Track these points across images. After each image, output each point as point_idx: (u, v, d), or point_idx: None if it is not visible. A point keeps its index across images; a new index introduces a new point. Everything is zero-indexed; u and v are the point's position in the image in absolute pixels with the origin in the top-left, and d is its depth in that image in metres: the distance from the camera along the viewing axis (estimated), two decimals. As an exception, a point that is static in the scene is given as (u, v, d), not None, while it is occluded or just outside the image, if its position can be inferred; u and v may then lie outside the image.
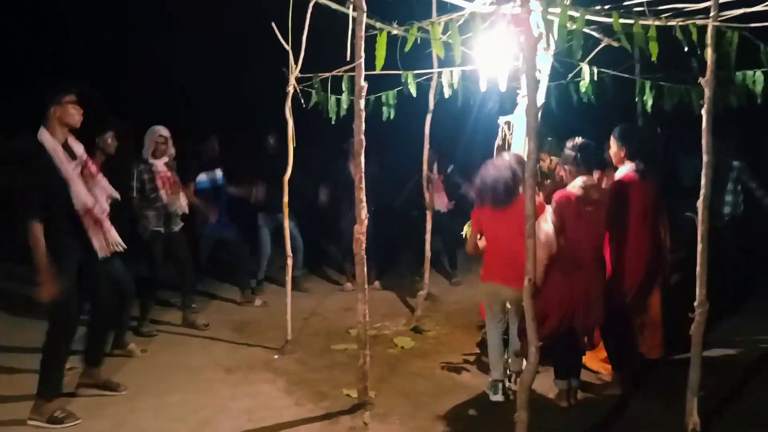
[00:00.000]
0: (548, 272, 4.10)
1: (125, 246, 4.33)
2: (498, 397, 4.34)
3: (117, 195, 4.41)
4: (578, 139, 4.23)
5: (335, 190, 7.33)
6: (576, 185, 4.14)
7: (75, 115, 4.04)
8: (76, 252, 4.06)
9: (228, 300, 6.96)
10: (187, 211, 5.79)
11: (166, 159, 5.65)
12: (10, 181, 4.27)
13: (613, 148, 4.49)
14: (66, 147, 4.03)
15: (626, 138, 4.43)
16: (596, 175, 4.48)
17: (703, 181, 3.49)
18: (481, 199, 4.30)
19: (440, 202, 7.25)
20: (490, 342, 4.47)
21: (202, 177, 6.49)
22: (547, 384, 4.53)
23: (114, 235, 4.20)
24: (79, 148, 4.14)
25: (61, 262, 3.93)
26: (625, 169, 4.41)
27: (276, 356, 5.25)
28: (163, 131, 5.63)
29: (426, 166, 6.03)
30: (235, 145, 7.38)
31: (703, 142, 3.48)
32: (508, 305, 4.43)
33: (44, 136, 3.94)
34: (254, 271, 7.11)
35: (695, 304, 3.59)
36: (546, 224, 4.09)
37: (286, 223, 5.40)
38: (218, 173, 6.61)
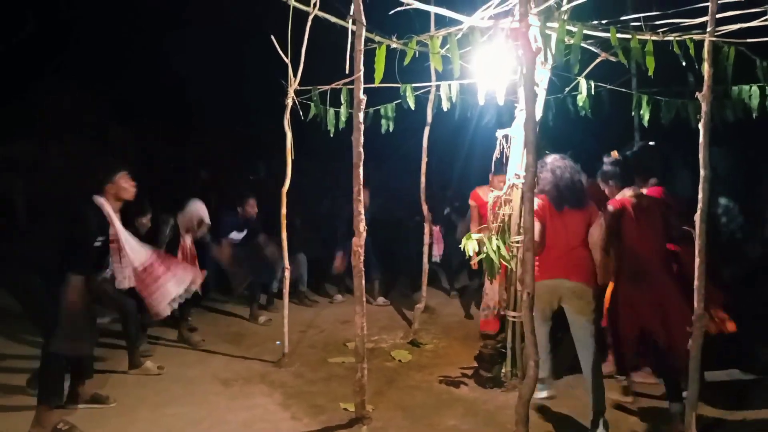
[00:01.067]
0: (616, 285, 4.19)
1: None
2: (545, 394, 4.36)
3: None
4: (615, 154, 4.29)
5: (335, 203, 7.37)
6: (626, 194, 4.16)
7: (129, 189, 4.36)
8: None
9: (226, 313, 6.93)
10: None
11: (197, 236, 5.87)
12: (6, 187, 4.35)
13: (605, 189, 4.41)
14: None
15: (611, 177, 4.34)
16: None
17: (700, 195, 3.50)
18: (557, 199, 4.23)
19: (437, 249, 7.71)
20: (538, 340, 4.31)
21: (235, 234, 6.60)
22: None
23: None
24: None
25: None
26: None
27: (278, 342, 5.39)
28: (205, 215, 5.82)
29: (425, 207, 6.06)
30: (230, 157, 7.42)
31: (701, 156, 3.50)
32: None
33: (102, 201, 4.24)
34: (265, 284, 7.10)
35: (693, 317, 3.59)
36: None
37: (284, 235, 5.39)
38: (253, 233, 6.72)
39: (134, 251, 4.45)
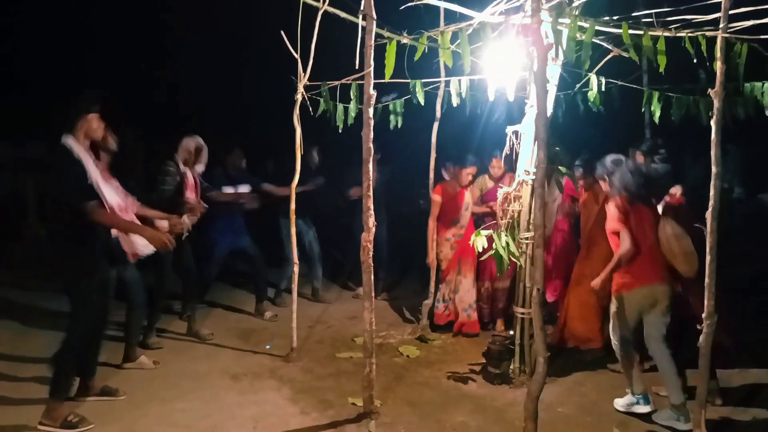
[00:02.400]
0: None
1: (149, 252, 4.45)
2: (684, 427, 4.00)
3: (128, 197, 4.43)
4: (640, 157, 4.56)
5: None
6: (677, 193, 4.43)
7: (98, 129, 4.18)
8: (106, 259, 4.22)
9: (235, 309, 6.94)
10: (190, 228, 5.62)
11: (200, 170, 5.76)
12: (19, 186, 4.30)
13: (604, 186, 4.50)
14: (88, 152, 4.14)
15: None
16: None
17: (711, 192, 3.49)
18: (638, 196, 4.17)
19: None
20: (627, 354, 4.24)
21: (228, 189, 6.41)
22: (556, 394, 4.53)
23: (140, 239, 4.30)
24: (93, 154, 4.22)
25: (95, 268, 4.09)
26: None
27: (268, 346, 5.40)
28: (200, 141, 5.71)
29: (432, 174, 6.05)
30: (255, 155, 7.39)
31: (712, 153, 3.49)
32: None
33: (71, 141, 4.02)
34: (274, 283, 7.08)
35: (703, 315, 3.58)
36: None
37: (293, 230, 5.40)
38: (243, 188, 6.53)
39: (108, 193, 4.16)
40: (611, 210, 4.20)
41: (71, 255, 4.06)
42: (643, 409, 4.21)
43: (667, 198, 4.45)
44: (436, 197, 5.95)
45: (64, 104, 4.17)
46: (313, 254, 7.15)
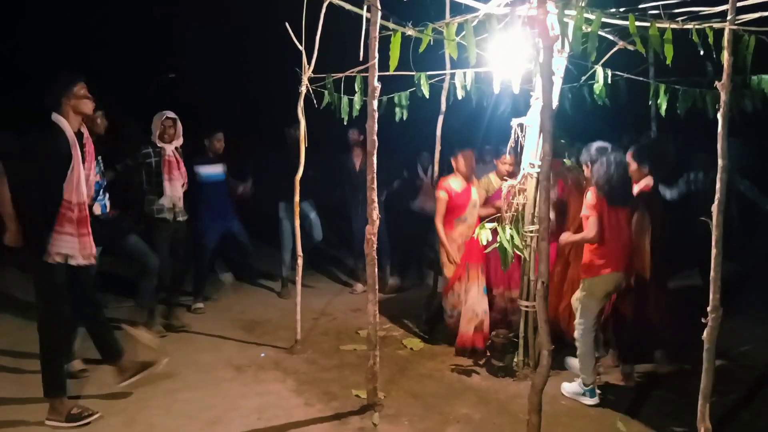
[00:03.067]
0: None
1: (95, 259, 4.21)
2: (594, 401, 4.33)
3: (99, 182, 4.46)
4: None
5: (342, 186, 7.33)
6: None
7: (88, 103, 4.03)
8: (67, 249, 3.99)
9: (239, 301, 6.95)
10: (180, 206, 5.66)
11: (176, 144, 5.61)
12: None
13: (632, 165, 4.62)
14: (77, 135, 4.03)
15: (644, 156, 4.70)
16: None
17: (717, 185, 3.46)
18: (608, 195, 4.26)
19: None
20: (589, 346, 4.35)
21: (205, 170, 6.38)
22: (558, 386, 4.52)
23: (91, 244, 4.08)
24: (86, 135, 4.15)
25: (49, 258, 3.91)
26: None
27: (262, 354, 5.34)
28: (170, 113, 5.56)
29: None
30: (245, 141, 7.37)
31: (719, 146, 3.45)
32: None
33: (60, 120, 3.92)
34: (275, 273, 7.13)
35: (708, 309, 3.56)
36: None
37: (297, 222, 5.39)
38: (220, 168, 6.49)
39: (79, 184, 3.97)
40: (588, 195, 4.33)
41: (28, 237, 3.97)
42: (589, 401, 4.32)
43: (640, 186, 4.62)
44: (442, 194, 5.43)
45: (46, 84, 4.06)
46: (314, 239, 7.15)
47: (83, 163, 4.01)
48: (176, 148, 5.61)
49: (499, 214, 5.00)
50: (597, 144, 4.48)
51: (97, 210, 4.83)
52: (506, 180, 5.11)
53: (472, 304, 5.27)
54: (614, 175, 4.21)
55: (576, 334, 4.40)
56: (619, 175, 4.23)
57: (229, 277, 6.82)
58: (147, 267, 5.24)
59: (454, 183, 5.46)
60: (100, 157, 4.84)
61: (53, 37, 9.85)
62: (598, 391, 4.34)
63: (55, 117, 3.93)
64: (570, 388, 4.46)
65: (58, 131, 3.90)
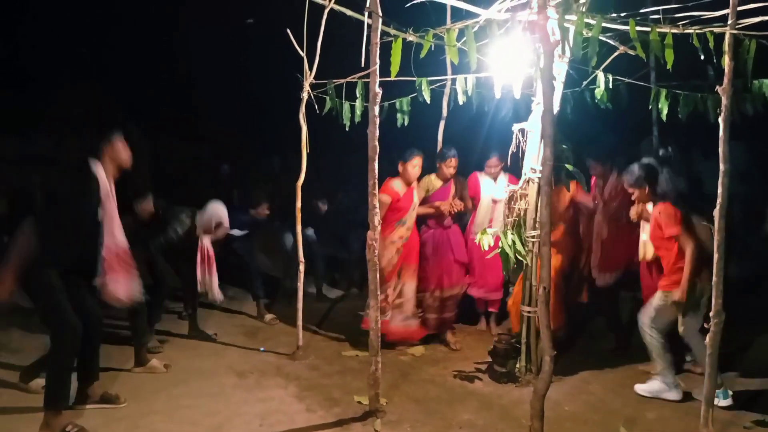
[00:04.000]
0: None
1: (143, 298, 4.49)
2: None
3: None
4: None
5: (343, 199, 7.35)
6: None
7: (126, 156, 4.18)
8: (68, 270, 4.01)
9: (240, 307, 6.94)
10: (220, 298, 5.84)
11: (215, 239, 5.73)
12: (26, 182, 4.24)
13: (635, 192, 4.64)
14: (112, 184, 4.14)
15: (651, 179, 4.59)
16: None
17: (719, 190, 3.47)
18: (684, 204, 4.45)
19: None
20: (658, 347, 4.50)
21: (237, 232, 6.41)
22: (562, 392, 4.52)
23: (135, 285, 4.26)
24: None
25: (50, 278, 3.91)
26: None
27: (261, 349, 5.45)
28: (226, 220, 5.71)
29: None
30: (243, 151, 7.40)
31: (720, 150, 3.46)
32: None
33: (99, 169, 4.03)
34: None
35: (711, 314, 3.56)
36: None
37: (299, 228, 5.39)
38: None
39: (118, 229, 4.16)
40: (661, 215, 4.38)
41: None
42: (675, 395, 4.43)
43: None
44: (385, 197, 5.31)
45: (69, 98, 4.10)
46: (313, 253, 7.14)
47: None
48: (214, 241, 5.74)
49: (436, 213, 5.56)
50: (641, 163, 4.63)
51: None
52: (450, 180, 5.55)
53: (403, 303, 5.52)
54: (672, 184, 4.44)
55: (647, 337, 4.52)
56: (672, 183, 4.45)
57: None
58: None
59: (398, 185, 5.46)
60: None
61: (53, 38, 9.89)
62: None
63: (93, 162, 4.04)
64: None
65: (92, 176, 3.98)
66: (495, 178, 5.88)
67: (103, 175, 4.05)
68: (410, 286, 5.54)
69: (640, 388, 4.54)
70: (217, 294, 5.71)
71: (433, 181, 5.74)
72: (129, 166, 4.23)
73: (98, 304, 4.24)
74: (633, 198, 4.67)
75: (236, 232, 6.40)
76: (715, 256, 3.51)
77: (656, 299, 4.47)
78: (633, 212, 4.75)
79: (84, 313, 4.04)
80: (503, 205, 5.08)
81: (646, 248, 4.74)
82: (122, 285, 4.15)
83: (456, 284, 5.73)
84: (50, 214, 4.03)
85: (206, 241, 5.64)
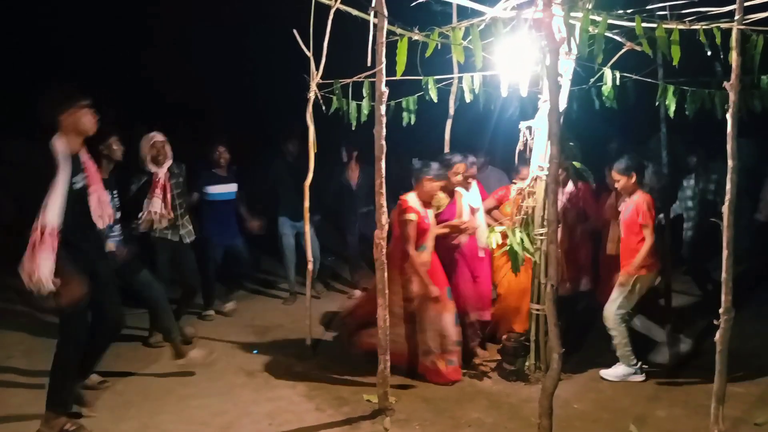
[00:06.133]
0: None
1: (51, 288, 3.68)
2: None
3: (112, 214, 4.17)
4: None
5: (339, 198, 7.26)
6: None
7: (90, 120, 3.78)
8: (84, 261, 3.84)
9: (249, 306, 6.96)
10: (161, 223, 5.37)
11: (167, 165, 5.41)
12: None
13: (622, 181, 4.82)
14: (75, 159, 3.79)
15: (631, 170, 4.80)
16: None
17: (728, 186, 3.45)
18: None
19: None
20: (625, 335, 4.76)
21: (215, 189, 6.35)
22: (571, 390, 4.51)
23: (47, 272, 3.57)
24: (84, 157, 3.91)
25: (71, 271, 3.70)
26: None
27: (255, 351, 5.47)
28: (159, 136, 5.38)
29: None
30: (249, 151, 7.38)
31: (728, 147, 3.44)
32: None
33: (58, 144, 3.66)
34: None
35: (720, 310, 3.54)
36: None
37: (307, 228, 5.41)
38: (231, 187, 6.46)
39: (50, 209, 3.61)
40: (644, 207, 4.66)
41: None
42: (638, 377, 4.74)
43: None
44: (412, 216, 4.73)
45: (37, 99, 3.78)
46: (315, 252, 7.06)
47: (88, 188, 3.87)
48: (169, 168, 5.45)
49: (454, 232, 5.03)
50: (631, 155, 4.86)
51: (111, 247, 4.68)
52: (454, 193, 5.14)
53: (441, 332, 4.77)
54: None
55: (611, 323, 4.75)
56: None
57: (231, 305, 6.68)
58: (153, 299, 5.09)
59: (416, 204, 4.84)
60: (115, 192, 4.79)
61: (58, 36, 9.93)
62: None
63: (55, 137, 3.67)
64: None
65: (49, 154, 3.62)
66: (467, 187, 5.29)
67: (64, 150, 3.66)
68: (449, 313, 4.80)
69: (606, 374, 4.78)
70: None
71: (441, 197, 5.12)
72: (93, 133, 3.85)
73: (119, 303, 4.19)
74: (616, 185, 4.87)
75: (210, 189, 6.34)
76: (725, 252, 3.49)
77: (619, 283, 4.76)
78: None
79: (103, 310, 4.03)
80: (482, 213, 5.20)
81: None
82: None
83: (485, 308, 5.30)
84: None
85: (160, 173, 5.38)
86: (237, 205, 6.58)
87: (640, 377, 4.73)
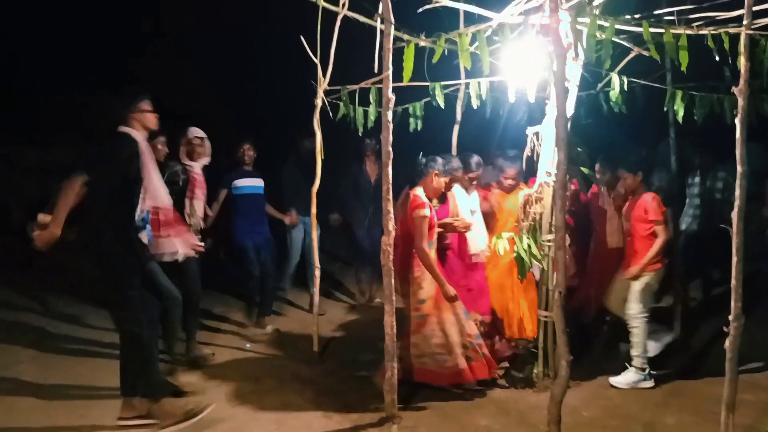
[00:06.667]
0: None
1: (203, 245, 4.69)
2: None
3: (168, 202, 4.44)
4: None
5: (352, 197, 7.22)
6: None
7: (153, 119, 4.17)
8: (141, 257, 4.15)
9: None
10: (201, 225, 5.48)
11: (204, 162, 5.52)
12: (47, 191, 4.22)
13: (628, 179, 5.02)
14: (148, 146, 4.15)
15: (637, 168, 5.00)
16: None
17: (737, 192, 3.42)
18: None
19: None
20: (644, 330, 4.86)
21: (244, 181, 6.25)
22: (580, 397, 4.48)
23: (190, 235, 4.51)
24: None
25: (132, 268, 4.05)
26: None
27: (247, 345, 5.63)
28: (198, 132, 5.49)
29: None
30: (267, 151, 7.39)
31: (737, 152, 3.42)
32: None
33: (131, 131, 4.02)
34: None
35: (730, 317, 3.51)
36: None
37: (314, 234, 5.41)
38: (258, 181, 6.34)
39: (157, 190, 4.15)
40: (654, 204, 4.84)
41: (113, 257, 3.98)
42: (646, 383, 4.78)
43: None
44: (426, 212, 4.55)
45: (87, 107, 4.14)
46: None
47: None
48: (204, 166, 5.52)
49: (444, 230, 4.85)
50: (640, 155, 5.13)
51: (144, 238, 4.63)
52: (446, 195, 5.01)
53: (456, 333, 4.60)
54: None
55: (637, 322, 4.83)
56: None
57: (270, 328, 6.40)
58: (167, 308, 4.88)
59: (424, 196, 4.69)
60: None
61: (70, 43, 10.00)
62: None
63: (125, 129, 4.03)
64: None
65: (131, 140, 3.97)
66: (468, 190, 5.25)
67: (141, 138, 4.04)
68: (451, 315, 4.63)
69: (616, 381, 4.77)
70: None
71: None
72: (156, 127, 4.24)
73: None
74: (623, 184, 5.09)
75: (239, 182, 6.25)
76: (734, 258, 3.46)
77: (632, 280, 4.90)
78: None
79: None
80: (480, 216, 5.15)
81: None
82: (179, 240, 4.41)
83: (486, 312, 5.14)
84: (104, 191, 3.96)
85: (196, 168, 5.49)
86: (264, 204, 6.44)
87: (650, 383, 4.73)
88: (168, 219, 4.40)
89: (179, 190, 5.28)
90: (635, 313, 4.84)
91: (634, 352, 4.80)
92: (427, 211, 4.56)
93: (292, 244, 6.93)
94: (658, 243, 4.79)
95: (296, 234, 6.89)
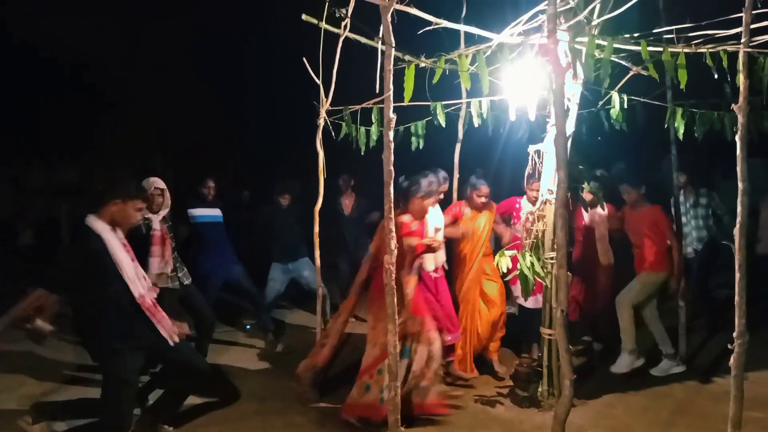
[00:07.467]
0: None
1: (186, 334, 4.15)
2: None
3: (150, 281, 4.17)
4: None
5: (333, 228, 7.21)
6: None
7: (134, 216, 3.93)
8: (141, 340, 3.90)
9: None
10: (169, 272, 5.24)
11: (163, 213, 5.22)
12: (53, 211, 4.19)
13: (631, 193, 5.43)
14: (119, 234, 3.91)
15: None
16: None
17: (738, 209, 3.42)
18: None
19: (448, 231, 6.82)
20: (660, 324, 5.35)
21: (200, 211, 6.12)
22: (585, 416, 4.45)
23: (168, 323, 3.97)
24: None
25: (125, 352, 3.81)
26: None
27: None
28: (159, 182, 5.16)
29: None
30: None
31: (738, 168, 3.41)
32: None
33: (97, 224, 3.77)
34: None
35: (734, 334, 3.49)
36: None
37: (317, 252, 5.41)
38: (216, 210, 6.20)
39: (132, 283, 3.84)
40: (656, 211, 5.30)
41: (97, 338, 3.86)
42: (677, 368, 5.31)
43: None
44: (414, 241, 4.70)
45: (99, 131, 4.00)
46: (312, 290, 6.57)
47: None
48: (164, 217, 5.25)
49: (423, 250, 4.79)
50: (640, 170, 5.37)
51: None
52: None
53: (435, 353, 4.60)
54: None
55: (654, 321, 5.36)
56: None
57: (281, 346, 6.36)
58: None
59: (412, 225, 4.80)
60: None
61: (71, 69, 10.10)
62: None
63: (92, 220, 3.77)
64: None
65: (93, 236, 3.73)
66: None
67: (107, 232, 3.77)
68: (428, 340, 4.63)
69: (654, 371, 5.29)
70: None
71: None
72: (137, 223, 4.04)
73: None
74: (625, 197, 5.50)
75: (196, 211, 6.12)
76: (737, 275, 3.44)
77: (644, 281, 5.32)
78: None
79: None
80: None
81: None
82: (161, 327, 3.92)
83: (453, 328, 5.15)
84: (88, 298, 3.81)
85: (156, 221, 5.17)
86: (224, 232, 6.26)
87: (681, 368, 5.28)
88: (148, 305, 3.90)
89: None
90: (649, 314, 5.31)
91: (660, 347, 5.30)
92: (415, 240, 4.68)
93: (268, 292, 6.61)
94: (674, 247, 5.23)
95: (273, 284, 6.61)
